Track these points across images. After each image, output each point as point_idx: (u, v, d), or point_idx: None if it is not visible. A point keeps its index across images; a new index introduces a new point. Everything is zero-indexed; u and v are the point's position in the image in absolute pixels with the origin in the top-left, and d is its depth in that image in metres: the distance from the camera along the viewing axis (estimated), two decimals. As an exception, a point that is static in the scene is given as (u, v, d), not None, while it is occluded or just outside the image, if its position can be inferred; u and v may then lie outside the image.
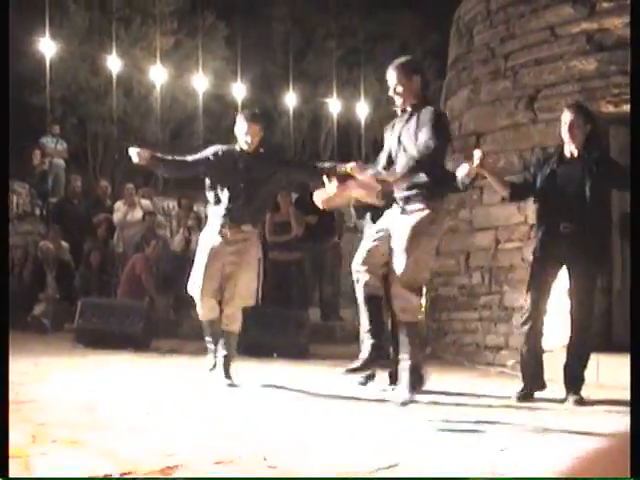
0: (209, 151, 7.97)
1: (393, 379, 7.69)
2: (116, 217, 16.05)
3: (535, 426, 5.89)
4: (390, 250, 6.49)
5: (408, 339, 6.54)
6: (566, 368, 7.41)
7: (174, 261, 14.40)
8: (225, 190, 7.70)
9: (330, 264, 15.66)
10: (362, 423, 5.84)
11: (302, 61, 31.46)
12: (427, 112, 6.49)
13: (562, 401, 7.25)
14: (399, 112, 6.87)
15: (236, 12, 30.09)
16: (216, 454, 4.38)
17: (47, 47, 22.00)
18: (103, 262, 15.06)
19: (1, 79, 5.43)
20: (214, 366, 7.97)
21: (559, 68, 10.10)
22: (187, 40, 28.07)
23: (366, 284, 6.53)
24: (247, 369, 8.63)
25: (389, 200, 6.69)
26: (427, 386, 6.72)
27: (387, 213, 6.73)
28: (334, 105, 28.99)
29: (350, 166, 6.70)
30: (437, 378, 7.93)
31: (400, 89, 6.70)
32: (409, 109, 6.72)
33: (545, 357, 7.67)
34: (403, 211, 6.51)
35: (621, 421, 6.00)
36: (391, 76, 6.74)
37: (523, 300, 7.89)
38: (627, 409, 5.85)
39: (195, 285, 7.80)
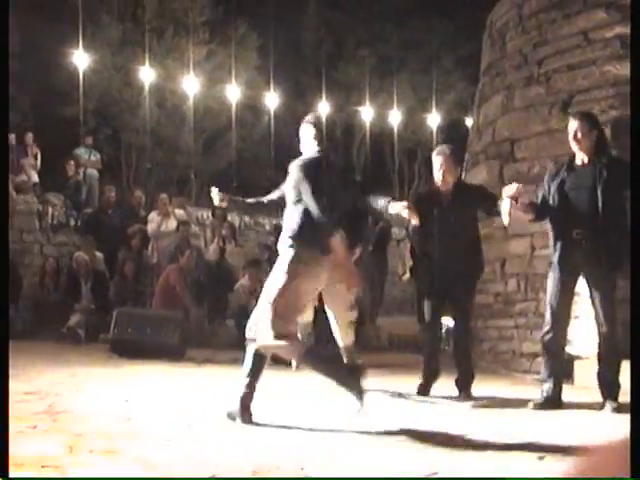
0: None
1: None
2: (150, 228, 16.07)
3: (575, 433, 5.84)
4: None
5: None
6: (599, 375, 7.37)
7: (208, 271, 14.41)
8: None
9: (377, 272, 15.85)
10: (401, 432, 5.81)
11: (334, 69, 31.44)
12: None
13: (600, 407, 7.19)
14: None
15: (268, 21, 30.14)
16: (253, 464, 4.37)
17: (80, 59, 22.08)
18: (137, 272, 15.09)
19: (1, 79, 5.43)
20: None
21: (593, 73, 10.04)
22: (219, 50, 28.10)
23: None
24: (284, 379, 8.62)
25: None
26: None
27: None
28: (367, 113, 28.94)
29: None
30: (473, 385, 7.91)
31: None
32: None
33: (581, 364, 7.63)
34: None
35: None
36: None
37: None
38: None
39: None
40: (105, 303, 14.06)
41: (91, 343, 12.82)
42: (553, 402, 7.36)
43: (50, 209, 17.57)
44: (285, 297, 6.07)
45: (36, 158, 19.32)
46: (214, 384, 8.51)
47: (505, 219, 7.47)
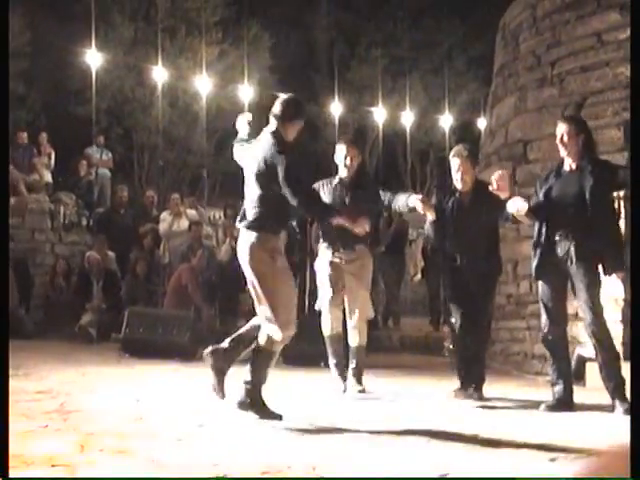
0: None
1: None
2: (162, 228, 16.05)
3: (587, 435, 5.82)
4: None
5: None
6: (604, 380, 7.32)
7: (220, 271, 14.40)
8: None
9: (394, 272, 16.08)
10: (413, 432, 5.80)
11: (347, 70, 31.43)
12: None
13: (612, 409, 7.15)
14: None
15: (280, 22, 30.17)
16: (264, 464, 4.36)
17: (93, 58, 22.06)
18: (149, 272, 15.08)
19: (1, 79, 5.43)
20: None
21: (606, 75, 10.02)
22: (232, 50, 28.13)
23: None
24: (294, 378, 8.62)
25: None
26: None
27: None
28: (379, 114, 28.87)
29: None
30: (485, 387, 7.89)
31: None
32: None
33: (593, 366, 7.61)
34: None
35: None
36: None
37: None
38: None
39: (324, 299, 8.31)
40: (117, 302, 14.05)
41: (102, 342, 12.82)
42: (565, 404, 7.33)
43: (62, 208, 17.54)
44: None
45: (50, 158, 19.32)
46: (225, 384, 8.50)
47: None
